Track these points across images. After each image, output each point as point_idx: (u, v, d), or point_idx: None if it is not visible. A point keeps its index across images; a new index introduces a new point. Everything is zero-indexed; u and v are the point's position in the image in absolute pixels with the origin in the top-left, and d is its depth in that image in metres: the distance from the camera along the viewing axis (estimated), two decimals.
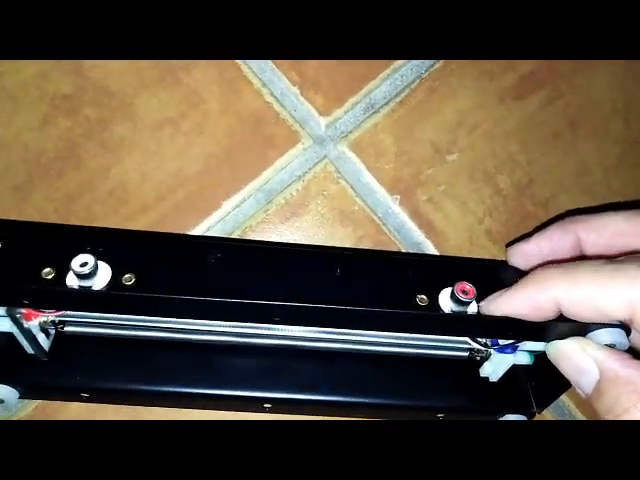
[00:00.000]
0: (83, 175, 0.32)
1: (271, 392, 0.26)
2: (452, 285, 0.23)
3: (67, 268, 0.21)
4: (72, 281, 0.21)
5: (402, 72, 0.35)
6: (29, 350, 0.25)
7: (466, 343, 0.27)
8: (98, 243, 0.22)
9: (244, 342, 0.27)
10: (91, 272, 0.21)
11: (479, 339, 0.26)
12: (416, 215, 0.34)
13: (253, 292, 0.22)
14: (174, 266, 0.23)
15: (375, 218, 0.34)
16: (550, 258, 0.26)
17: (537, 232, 0.27)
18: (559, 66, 0.37)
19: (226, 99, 0.34)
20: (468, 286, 0.23)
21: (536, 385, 0.29)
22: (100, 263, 0.22)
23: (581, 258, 0.26)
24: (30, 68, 0.33)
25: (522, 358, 0.27)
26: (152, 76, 0.33)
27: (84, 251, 0.21)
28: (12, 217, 0.31)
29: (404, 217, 0.34)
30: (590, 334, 0.22)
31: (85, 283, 0.21)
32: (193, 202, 0.33)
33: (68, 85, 0.33)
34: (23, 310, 0.24)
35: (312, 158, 0.34)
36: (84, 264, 0.21)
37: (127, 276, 0.22)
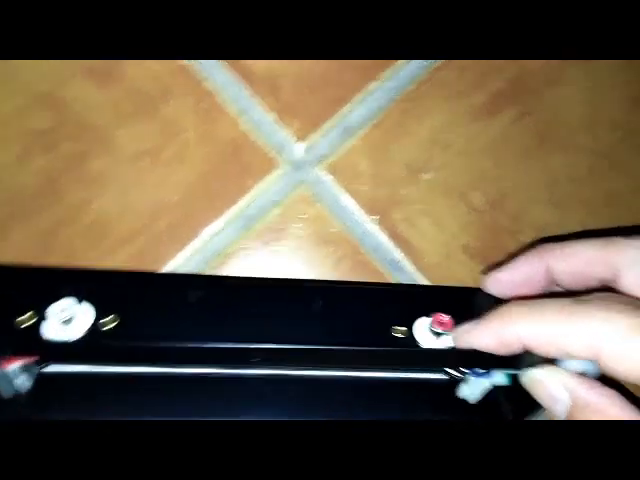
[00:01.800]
0: (63, 210, 0.33)
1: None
2: (429, 314, 0.24)
3: (45, 313, 0.22)
4: (51, 328, 0.22)
5: (376, 95, 0.37)
6: (7, 394, 0.26)
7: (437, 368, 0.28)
8: (76, 285, 0.23)
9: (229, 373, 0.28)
10: (70, 318, 0.22)
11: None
12: (393, 234, 0.35)
13: (232, 336, 0.23)
14: (156, 306, 0.24)
15: (353, 239, 0.35)
16: (523, 286, 0.27)
17: (511, 260, 0.28)
18: (528, 83, 0.38)
19: (203, 128, 0.35)
20: (446, 318, 0.24)
21: (514, 403, 0.30)
22: (81, 305, 0.22)
23: (552, 286, 0.27)
24: (8, 103, 0.34)
25: (499, 379, 0.29)
26: (129, 108, 0.35)
27: (63, 295, 0.22)
28: None
29: (382, 236, 0.35)
30: (562, 362, 0.24)
31: (65, 329, 0.22)
32: (173, 231, 0.34)
33: (47, 120, 0.34)
34: None
35: (289, 183, 0.35)
36: (63, 310, 0.21)
37: (110, 318, 0.23)
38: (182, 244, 0.34)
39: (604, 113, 0.38)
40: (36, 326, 0.22)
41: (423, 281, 0.35)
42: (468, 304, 0.27)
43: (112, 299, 0.23)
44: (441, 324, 0.24)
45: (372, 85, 0.37)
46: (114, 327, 0.23)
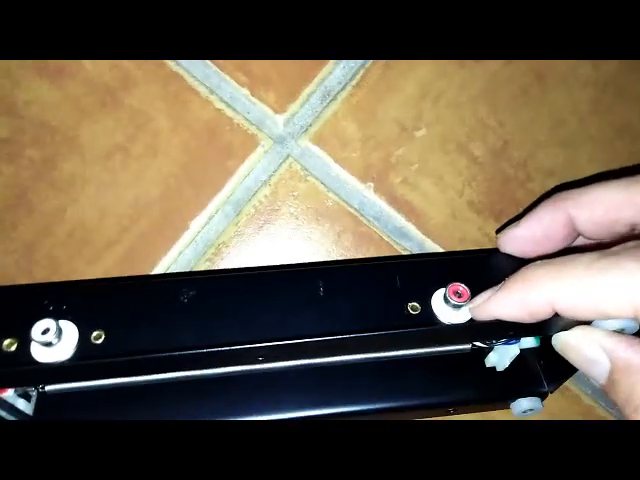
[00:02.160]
0: (38, 221, 0.31)
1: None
2: (444, 286, 0.22)
3: (29, 336, 0.20)
4: (37, 351, 0.20)
5: None
6: (10, 418, 0.24)
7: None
8: (59, 300, 0.21)
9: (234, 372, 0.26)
10: (55, 339, 0.20)
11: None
12: (393, 199, 0.33)
13: (233, 336, 0.21)
14: (145, 314, 0.22)
15: (351, 210, 0.33)
16: (544, 241, 0.25)
17: (526, 214, 0.25)
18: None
19: (175, 113, 0.33)
20: (461, 287, 0.22)
21: (545, 365, 0.28)
22: (64, 323, 0.21)
23: (575, 238, 0.25)
24: None
25: (528, 342, 0.27)
26: (90, 103, 0.32)
27: (44, 314, 0.20)
28: None
29: (381, 204, 0.33)
30: (596, 321, 0.22)
31: (50, 351, 0.20)
32: (159, 228, 0.32)
33: (3, 128, 0.32)
34: None
35: (275, 159, 0.33)
36: (46, 331, 0.20)
37: (95, 334, 0.21)
38: (171, 240, 0.32)
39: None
40: (20, 351, 0.20)
41: (432, 245, 0.33)
42: (485, 268, 0.24)
43: (95, 312, 0.21)
44: (458, 295, 0.22)
45: None
46: (102, 342, 0.21)
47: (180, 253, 0.32)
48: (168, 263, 0.32)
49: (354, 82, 0.34)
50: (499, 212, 0.34)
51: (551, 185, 0.34)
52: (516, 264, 0.22)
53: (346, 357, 0.27)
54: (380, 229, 0.33)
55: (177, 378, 0.26)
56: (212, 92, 0.33)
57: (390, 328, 0.22)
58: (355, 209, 0.33)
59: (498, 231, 0.27)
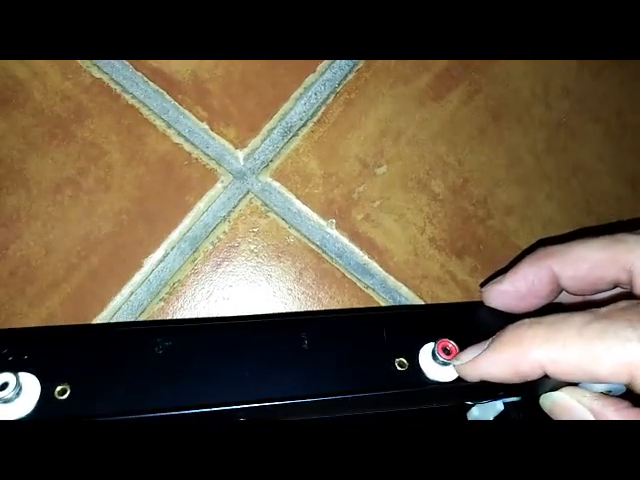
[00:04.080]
0: None
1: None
2: (431, 339, 0.23)
3: None
4: None
5: (315, 89, 0.36)
6: None
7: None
8: (19, 349, 0.20)
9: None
10: (13, 395, 0.19)
11: None
12: (355, 236, 0.34)
13: (212, 395, 0.21)
14: (115, 366, 0.21)
15: (313, 247, 0.34)
16: (528, 296, 0.26)
17: (509, 270, 0.27)
18: (473, 60, 0.38)
19: (129, 147, 0.33)
20: (450, 344, 0.22)
21: (526, 418, 0.29)
22: (24, 376, 0.20)
23: (558, 292, 0.26)
24: None
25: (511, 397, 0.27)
26: (39, 135, 0.32)
27: (3, 366, 0.19)
28: None
29: (343, 240, 0.34)
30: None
31: (9, 408, 0.19)
32: (110, 266, 0.31)
33: None
34: None
35: (235, 195, 0.34)
36: (4, 386, 0.19)
37: (60, 389, 0.20)
38: (122, 279, 0.31)
39: (554, 82, 0.39)
40: None
41: (395, 283, 0.34)
42: (472, 322, 0.25)
43: (60, 364, 0.21)
44: (447, 352, 0.22)
45: (309, 78, 0.36)
46: (67, 397, 0.20)
47: (132, 293, 0.31)
48: (119, 303, 0.31)
49: (315, 118, 0.35)
50: (460, 249, 0.35)
51: (510, 223, 0.36)
52: (502, 318, 0.23)
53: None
54: (342, 266, 0.34)
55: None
56: (169, 126, 0.34)
57: (381, 389, 0.22)
58: (317, 246, 0.34)
59: (482, 285, 0.28)
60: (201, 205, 0.33)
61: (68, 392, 0.20)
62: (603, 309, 0.21)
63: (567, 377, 0.21)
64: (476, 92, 0.38)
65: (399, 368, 0.23)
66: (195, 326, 0.23)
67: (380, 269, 0.34)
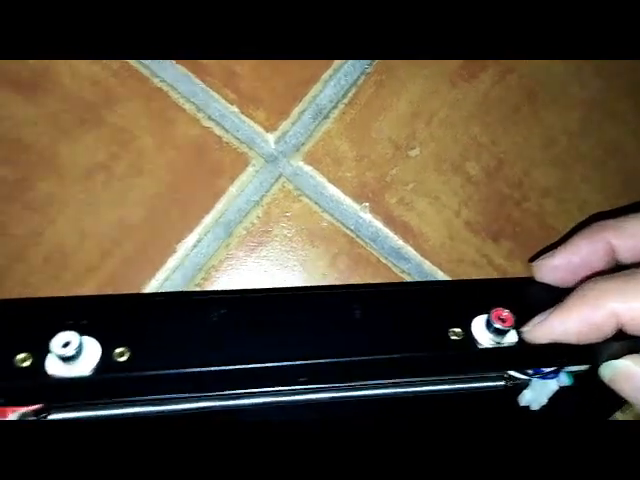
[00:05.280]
0: (10, 245, 0.31)
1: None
2: (483, 312, 0.23)
3: (46, 350, 0.20)
4: (54, 366, 0.20)
5: (345, 70, 0.36)
6: None
7: (503, 372, 0.27)
8: (80, 315, 0.21)
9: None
10: (76, 353, 0.20)
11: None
12: (389, 220, 0.35)
13: (274, 353, 0.21)
14: (173, 331, 0.22)
15: (347, 231, 0.34)
16: (582, 270, 0.26)
17: (562, 244, 0.27)
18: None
19: (160, 131, 0.33)
20: (505, 312, 0.23)
21: (580, 406, 0.29)
22: (85, 339, 0.21)
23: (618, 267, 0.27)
24: None
25: (562, 379, 0.28)
26: (70, 120, 0.33)
27: (64, 327, 0.20)
28: None
29: (377, 224, 0.35)
30: None
31: (70, 366, 0.20)
32: (144, 252, 0.32)
33: None
34: None
35: (267, 179, 0.34)
36: (67, 344, 0.20)
37: (119, 351, 0.21)
38: (157, 264, 0.32)
39: (589, 60, 0.39)
40: (37, 365, 0.20)
41: (430, 267, 0.35)
42: (524, 295, 0.26)
43: (119, 328, 0.21)
44: (502, 320, 0.23)
45: (338, 60, 0.36)
46: (127, 359, 0.21)
47: (167, 278, 0.32)
48: (154, 289, 0.32)
49: (346, 100, 0.36)
50: (496, 232, 0.36)
51: (547, 205, 0.37)
52: (555, 292, 0.24)
53: (374, 391, 0.27)
54: (377, 251, 0.34)
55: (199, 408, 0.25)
56: (199, 109, 0.34)
57: (441, 349, 0.22)
58: (351, 230, 0.34)
59: (532, 260, 0.28)
60: (233, 189, 0.34)
61: (128, 355, 0.21)
62: None
63: None
64: (509, 71, 0.38)
65: (453, 337, 0.23)
66: (248, 296, 0.24)
67: (415, 253, 0.35)
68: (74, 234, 0.32)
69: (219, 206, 0.33)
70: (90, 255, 0.31)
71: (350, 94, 0.36)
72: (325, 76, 0.36)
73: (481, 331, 0.23)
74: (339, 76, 0.36)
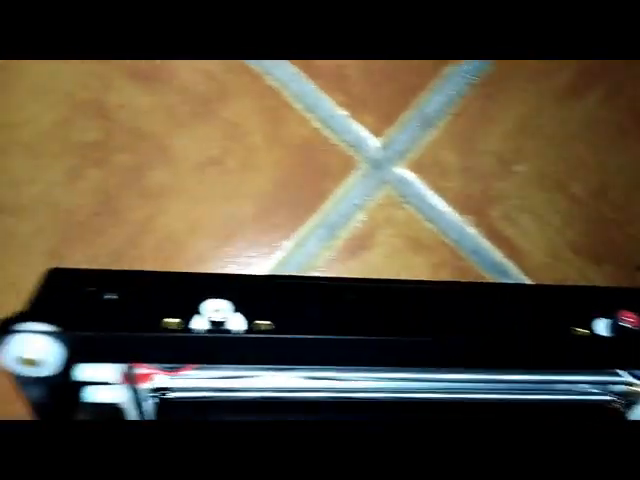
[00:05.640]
0: (124, 230, 0.32)
1: None
2: (607, 315, 0.23)
3: (190, 318, 0.21)
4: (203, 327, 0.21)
5: (453, 80, 0.36)
6: (133, 416, 0.25)
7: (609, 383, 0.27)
8: (223, 290, 0.22)
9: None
10: (223, 321, 0.21)
11: None
12: (492, 234, 0.35)
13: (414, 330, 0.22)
14: (311, 311, 0.23)
15: (449, 242, 0.34)
16: None
17: None
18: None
19: (270, 129, 0.34)
20: (629, 313, 0.23)
21: None
22: (232, 310, 0.22)
23: None
24: (49, 117, 0.32)
25: None
26: (185, 112, 0.34)
27: (215, 297, 0.21)
28: None
29: (479, 238, 0.35)
30: None
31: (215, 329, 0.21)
32: (250, 248, 0.33)
33: (94, 131, 0.33)
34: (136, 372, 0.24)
35: (372, 184, 0.35)
36: (218, 310, 0.21)
37: (263, 322, 0.22)
38: (261, 261, 0.33)
39: None
40: (185, 327, 0.21)
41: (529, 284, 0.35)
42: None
43: (261, 305, 0.22)
44: (630, 319, 0.23)
45: (448, 68, 0.36)
46: (271, 329, 0.22)
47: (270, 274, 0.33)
48: None
49: (453, 110, 0.36)
50: (598, 255, 0.36)
51: None
52: None
53: (467, 395, 0.27)
54: (477, 264, 0.34)
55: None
56: (309, 110, 0.35)
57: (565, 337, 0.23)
58: (453, 241, 0.34)
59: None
60: (339, 192, 0.34)
61: (272, 327, 0.22)
62: None
63: None
64: (617, 92, 0.38)
65: (577, 335, 0.23)
66: (376, 285, 0.25)
67: (517, 270, 0.35)
68: (185, 225, 0.32)
69: (324, 207, 0.34)
70: (200, 247, 0.32)
71: (457, 104, 0.36)
72: (433, 84, 0.36)
73: (605, 332, 0.24)
74: (447, 85, 0.36)
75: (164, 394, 0.25)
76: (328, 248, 0.33)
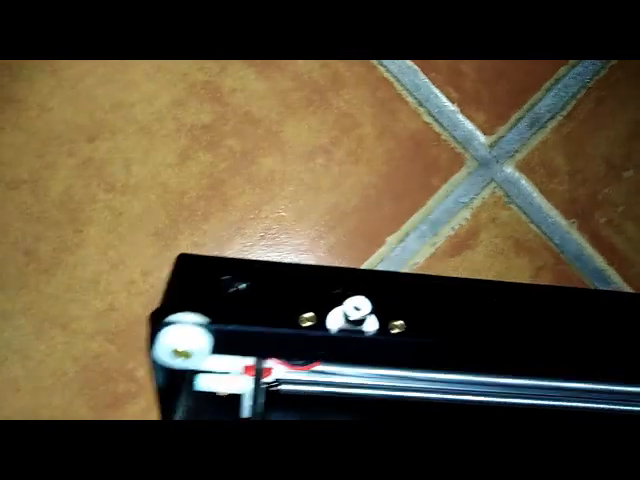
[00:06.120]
0: (231, 216, 0.33)
1: None
2: None
3: (324, 313, 0.21)
4: (335, 326, 0.22)
5: (565, 81, 0.36)
6: (245, 414, 0.25)
7: None
8: (358, 286, 0.22)
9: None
10: (360, 319, 0.21)
11: None
12: (596, 240, 0.35)
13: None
14: (447, 311, 0.23)
15: (552, 245, 0.34)
16: None
17: None
18: None
19: (381, 121, 0.34)
20: None
21: None
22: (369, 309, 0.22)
23: None
24: (163, 97, 0.33)
25: None
26: (298, 99, 0.34)
27: (355, 293, 0.21)
28: (155, 271, 0.31)
29: (583, 243, 0.35)
30: None
31: (352, 328, 0.22)
32: (354, 240, 0.33)
33: (207, 114, 0.33)
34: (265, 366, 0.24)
35: (478, 182, 0.34)
36: (357, 307, 0.21)
37: (396, 323, 0.22)
38: (364, 254, 0.33)
39: None
40: (320, 325, 0.22)
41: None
42: None
43: (394, 303, 0.23)
44: None
45: (561, 70, 0.36)
46: (402, 331, 0.22)
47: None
48: None
49: (564, 112, 0.36)
50: None
51: None
52: None
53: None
54: (579, 270, 0.34)
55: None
56: (421, 104, 0.35)
57: None
58: (556, 245, 0.34)
59: None
60: (444, 188, 0.34)
61: (405, 328, 0.22)
62: None
63: None
64: None
65: None
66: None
67: (619, 278, 0.34)
68: (291, 213, 0.33)
69: (429, 203, 0.34)
70: (304, 236, 0.33)
71: (569, 106, 0.36)
72: (546, 85, 0.36)
73: None
74: (559, 87, 0.36)
75: (277, 386, 0.26)
76: (431, 245, 0.34)
